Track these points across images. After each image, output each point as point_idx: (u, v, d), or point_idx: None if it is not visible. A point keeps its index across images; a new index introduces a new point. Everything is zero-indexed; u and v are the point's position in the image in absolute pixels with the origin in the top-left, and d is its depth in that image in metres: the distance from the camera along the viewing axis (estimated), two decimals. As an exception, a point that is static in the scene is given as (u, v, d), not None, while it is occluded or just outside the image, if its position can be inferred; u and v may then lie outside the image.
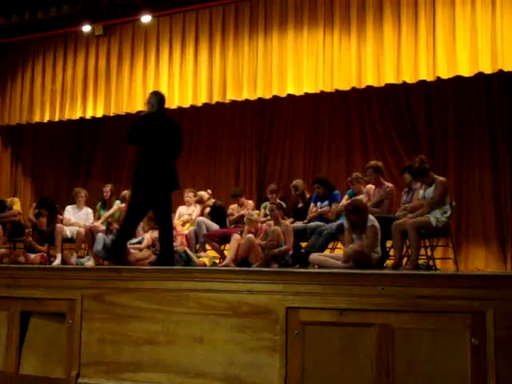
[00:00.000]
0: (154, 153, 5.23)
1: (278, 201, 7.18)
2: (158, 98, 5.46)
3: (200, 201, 7.56)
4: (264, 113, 9.60)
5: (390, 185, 6.34)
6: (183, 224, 7.58)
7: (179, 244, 6.77)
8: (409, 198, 5.99)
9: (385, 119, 8.68)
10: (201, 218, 7.28)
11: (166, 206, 5.35)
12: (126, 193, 7.63)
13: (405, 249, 5.75)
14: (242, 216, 7.04)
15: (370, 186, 6.44)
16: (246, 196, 8.18)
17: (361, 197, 6.26)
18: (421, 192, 5.64)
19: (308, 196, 7.24)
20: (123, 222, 5.42)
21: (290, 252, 6.12)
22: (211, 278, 4.11)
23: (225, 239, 7.07)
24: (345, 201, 6.48)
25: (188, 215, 7.66)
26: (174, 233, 6.82)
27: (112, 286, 4.35)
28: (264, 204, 7.61)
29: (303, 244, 6.55)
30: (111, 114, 8.95)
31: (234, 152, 9.72)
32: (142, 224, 7.17)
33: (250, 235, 6.31)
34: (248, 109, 9.59)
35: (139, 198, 5.23)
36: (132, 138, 5.34)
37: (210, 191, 7.82)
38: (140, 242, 6.82)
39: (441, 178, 5.59)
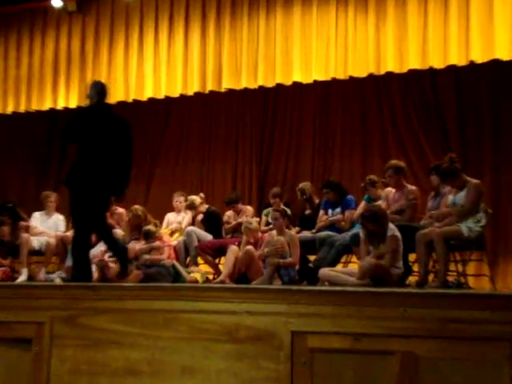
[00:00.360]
0: (91, 152, 5.19)
1: (282, 207, 7.19)
2: (97, 89, 5.42)
3: (191, 206, 7.58)
4: (266, 104, 9.64)
5: (414, 188, 6.35)
6: (171, 233, 7.61)
7: (167, 257, 6.78)
8: (436, 203, 6.01)
9: (407, 111, 8.70)
10: (191, 228, 7.30)
11: (100, 213, 5.29)
12: None
13: (431, 263, 5.76)
14: (240, 224, 7.05)
15: (389, 189, 6.45)
16: (244, 201, 8.21)
17: (379, 203, 6.28)
18: (450, 197, 5.66)
19: (317, 201, 7.26)
20: (73, 235, 5.36)
21: (296, 266, 6.13)
22: (204, 297, 4.12)
23: (220, 251, 7.09)
24: (361, 207, 6.50)
25: (177, 223, 7.70)
26: (160, 243, 6.85)
27: (88, 307, 4.36)
28: (266, 210, 7.63)
29: (311, 257, 6.57)
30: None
31: (230, 150, 9.76)
32: (123, 233, 7.20)
33: (250, 247, 6.33)
34: (247, 100, 9.63)
35: (77, 202, 5.18)
36: (67, 134, 5.32)
37: (202, 195, 7.84)
38: (120, 255, 6.83)
39: (474, 181, 5.60)
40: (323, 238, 6.47)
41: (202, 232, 7.33)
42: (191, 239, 7.15)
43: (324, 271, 5.76)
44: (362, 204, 6.61)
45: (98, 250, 7.05)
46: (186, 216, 7.68)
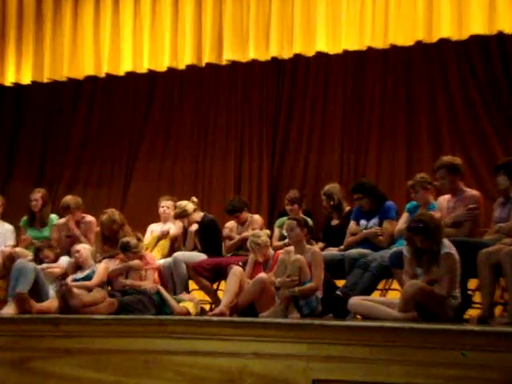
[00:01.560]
0: None
1: (302, 216, 7.16)
2: None
3: (182, 215, 7.58)
4: (280, 82, 9.61)
5: (475, 193, 6.31)
6: (156, 243, 7.64)
7: (149, 281, 6.80)
8: (505, 213, 5.96)
9: (467, 90, 8.63)
10: (178, 254, 7.28)
11: None
12: (69, 200, 7.68)
13: (498, 292, 5.71)
14: (246, 239, 7.01)
15: (443, 197, 6.42)
16: (251, 209, 8.19)
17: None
18: (525, 204, 5.64)
19: (348, 209, 7.25)
20: None
21: (320, 294, 6.13)
22: (198, 334, 4.14)
23: (219, 274, 7.07)
24: (403, 220, 6.47)
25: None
26: (142, 264, 6.86)
27: (44, 347, 4.38)
28: (279, 221, 7.61)
29: (339, 282, 6.53)
30: (45, 81, 9.02)
31: (233, 141, 9.74)
32: (90, 249, 7.20)
33: (263, 275, 6.31)
34: (256, 76, 9.61)
35: None
36: None
37: (195, 199, 7.84)
38: (89, 278, 6.86)
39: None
40: (354, 258, 6.42)
41: (194, 253, 7.33)
42: (179, 269, 7.13)
43: (355, 301, 5.72)
44: (405, 216, 6.53)
45: (60, 264, 7.06)
46: (174, 226, 7.68)
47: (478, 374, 3.67)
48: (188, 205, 7.60)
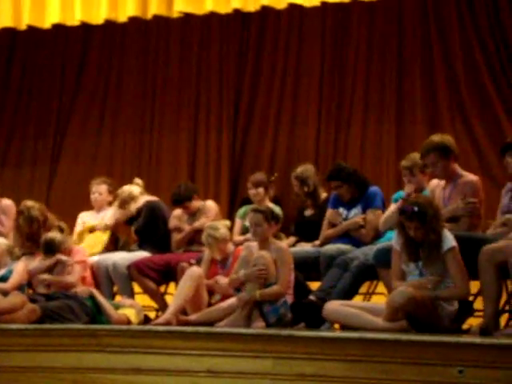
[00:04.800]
0: None
1: (269, 204, 7.18)
2: None
3: (126, 202, 7.58)
4: (245, 40, 9.60)
5: (474, 178, 6.35)
6: (91, 230, 7.66)
7: (77, 279, 6.78)
8: (514, 201, 6.05)
9: (470, 50, 8.63)
10: (120, 257, 7.29)
11: None
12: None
13: (504, 297, 5.79)
14: (198, 232, 7.07)
15: (435, 181, 6.47)
16: (206, 194, 8.19)
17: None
18: (539, 190, 5.72)
19: (324, 197, 7.29)
20: None
21: (289, 299, 6.16)
22: (140, 348, 4.13)
23: (168, 274, 7.11)
24: (391, 210, 6.49)
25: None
26: (69, 258, 6.83)
27: None
28: (242, 210, 7.65)
29: (314, 285, 6.58)
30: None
31: (186, 112, 9.74)
32: (7, 244, 7.14)
33: (197, 269, 6.36)
34: (215, 32, 9.58)
35: None
36: None
37: (140, 181, 7.84)
38: (4, 279, 6.82)
39: None
40: (332, 255, 6.46)
41: (139, 253, 7.37)
42: (116, 271, 7.17)
43: (332, 307, 5.73)
44: (392, 207, 6.55)
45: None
46: (113, 214, 7.70)
47: (479, 396, 3.72)
48: (134, 189, 7.62)
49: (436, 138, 6.37)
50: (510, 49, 8.36)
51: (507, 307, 5.95)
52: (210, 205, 7.62)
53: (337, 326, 5.81)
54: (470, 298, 5.99)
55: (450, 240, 5.47)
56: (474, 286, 5.87)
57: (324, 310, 5.73)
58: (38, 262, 6.95)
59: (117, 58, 10.07)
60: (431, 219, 5.45)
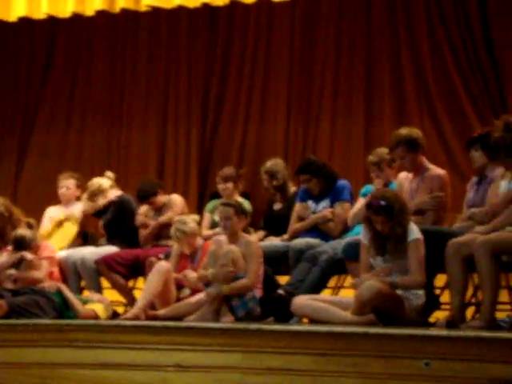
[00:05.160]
0: None
1: (238, 198, 7.20)
2: None
3: (95, 194, 7.58)
4: (214, 34, 9.56)
5: (441, 172, 6.39)
6: (59, 224, 7.62)
7: (45, 275, 6.77)
8: (480, 195, 6.07)
9: (437, 42, 8.63)
10: (88, 251, 7.29)
11: None
12: None
13: (470, 291, 5.82)
14: (165, 226, 7.11)
15: (404, 174, 6.51)
16: (175, 189, 8.19)
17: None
18: (503, 184, 5.71)
19: (293, 191, 7.32)
20: None
21: (258, 293, 6.18)
22: (107, 343, 4.13)
23: (137, 269, 7.12)
24: (360, 204, 6.51)
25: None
26: (34, 257, 6.81)
27: None
28: (211, 204, 7.67)
29: (283, 279, 6.60)
30: None
31: (155, 106, 9.71)
32: None
33: (165, 263, 6.38)
34: (183, 26, 9.56)
35: None
36: None
37: (111, 175, 7.83)
38: None
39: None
40: (301, 249, 6.49)
41: (107, 247, 7.38)
42: (84, 266, 7.16)
43: (301, 301, 5.77)
44: (360, 201, 6.58)
45: None
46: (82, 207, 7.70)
47: (445, 388, 3.75)
48: (104, 182, 7.62)
49: (404, 131, 6.42)
50: (477, 43, 8.39)
51: (473, 300, 5.99)
52: (176, 198, 7.63)
53: (305, 320, 5.83)
54: (437, 292, 6.05)
55: (414, 232, 5.54)
56: (441, 279, 5.94)
57: (292, 304, 5.77)
58: (5, 257, 6.93)
59: (84, 53, 10.00)
60: (398, 213, 5.50)
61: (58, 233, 7.68)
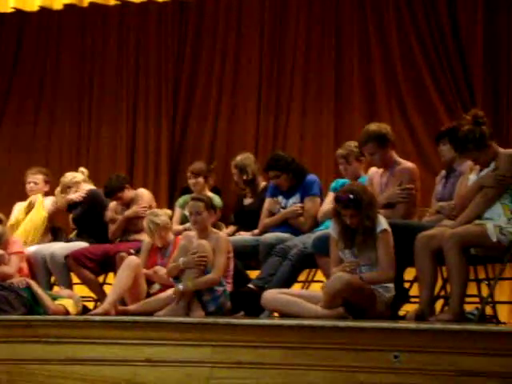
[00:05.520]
0: None
1: (208, 193, 7.20)
2: None
3: (67, 186, 7.58)
4: (183, 27, 9.56)
5: (410, 166, 6.42)
6: (28, 211, 7.61)
7: (12, 267, 6.72)
8: (448, 189, 6.12)
9: (407, 37, 8.61)
10: (58, 247, 7.27)
11: None
12: None
13: (439, 283, 5.86)
14: (131, 220, 7.15)
15: (374, 169, 6.54)
16: (144, 184, 8.19)
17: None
18: (471, 178, 5.76)
19: (263, 185, 7.35)
20: None
21: (228, 287, 6.19)
22: (76, 338, 4.13)
23: (107, 264, 7.12)
24: (330, 199, 6.53)
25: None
26: (3, 252, 6.79)
27: None
28: (182, 199, 7.68)
29: (253, 273, 6.63)
30: None
31: (125, 100, 9.69)
32: None
33: (135, 258, 6.37)
34: (153, 19, 9.55)
35: None
36: None
37: (85, 170, 7.83)
38: None
39: (509, 151, 5.69)
40: (271, 244, 6.52)
41: (77, 243, 7.35)
42: (55, 263, 7.14)
43: (271, 295, 5.79)
44: (330, 196, 6.59)
45: None
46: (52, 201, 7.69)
47: (414, 380, 3.77)
48: (77, 175, 7.62)
49: (373, 126, 6.43)
50: (445, 37, 8.43)
51: (442, 293, 6.04)
52: (143, 192, 7.64)
53: (276, 313, 5.85)
54: (406, 285, 6.09)
55: (382, 224, 5.58)
56: (410, 272, 5.98)
57: (262, 299, 5.80)
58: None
59: (53, 47, 9.97)
60: (366, 206, 5.53)
61: (24, 224, 7.63)
